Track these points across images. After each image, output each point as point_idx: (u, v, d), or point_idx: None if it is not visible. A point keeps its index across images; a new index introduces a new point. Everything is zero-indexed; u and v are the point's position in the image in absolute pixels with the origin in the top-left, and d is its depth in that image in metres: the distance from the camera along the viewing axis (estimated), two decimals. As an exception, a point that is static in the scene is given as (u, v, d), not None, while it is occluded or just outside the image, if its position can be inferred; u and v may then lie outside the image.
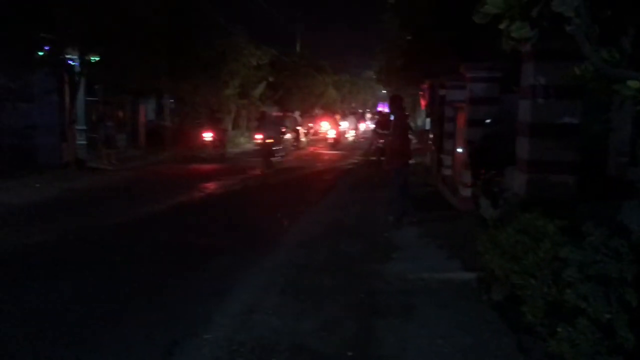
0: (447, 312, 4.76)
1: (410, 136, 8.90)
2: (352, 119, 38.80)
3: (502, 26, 3.07)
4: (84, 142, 16.29)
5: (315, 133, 32.52)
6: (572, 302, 3.18)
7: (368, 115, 49.85)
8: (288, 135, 22.69)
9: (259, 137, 18.47)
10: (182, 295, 5.26)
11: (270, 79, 28.34)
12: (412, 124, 23.05)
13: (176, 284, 5.59)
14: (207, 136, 20.34)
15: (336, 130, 29.51)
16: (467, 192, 8.47)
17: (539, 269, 3.70)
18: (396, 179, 8.27)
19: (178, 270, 6.08)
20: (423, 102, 18.24)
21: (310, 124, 32.65)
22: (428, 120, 16.91)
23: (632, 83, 2.73)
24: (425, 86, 16.22)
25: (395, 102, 8.73)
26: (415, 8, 12.38)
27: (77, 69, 14.92)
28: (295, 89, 33.63)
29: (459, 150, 10.12)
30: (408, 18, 13.46)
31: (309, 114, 36.29)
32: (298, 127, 27.80)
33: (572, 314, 3.17)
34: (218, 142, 20.29)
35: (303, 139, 28.01)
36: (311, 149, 26.95)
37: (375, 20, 18.43)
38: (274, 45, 28.72)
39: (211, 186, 13.15)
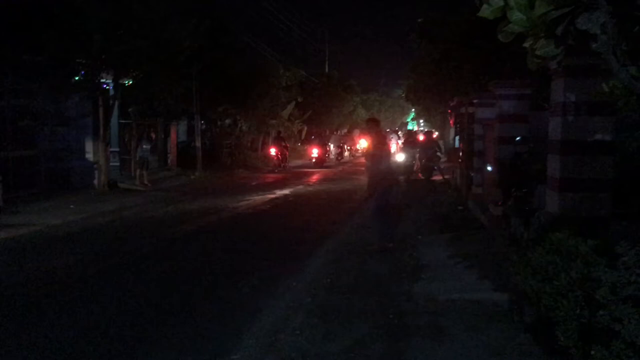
0: (478, 334, 4.65)
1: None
2: (394, 135, 42.63)
3: (526, 44, 3.05)
4: (117, 164, 16.64)
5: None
6: (606, 324, 3.09)
7: (400, 133, 50.46)
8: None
9: (315, 150, 26.87)
10: (211, 314, 5.30)
11: (299, 99, 28.78)
12: (440, 142, 22.97)
13: (205, 304, 5.64)
14: (272, 151, 24.75)
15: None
16: (497, 211, 8.33)
17: (571, 290, 3.60)
18: (377, 202, 8.15)
19: (207, 289, 6.14)
20: (452, 120, 18.13)
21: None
22: (457, 138, 16.77)
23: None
24: (453, 104, 16.12)
25: (371, 126, 8.62)
26: (442, 27, 12.40)
27: (111, 92, 15.33)
28: (324, 108, 34.14)
29: (489, 168, 10.00)
30: (435, 37, 13.48)
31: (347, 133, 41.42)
32: (341, 144, 33.81)
33: (606, 337, 3.07)
34: (281, 157, 24.25)
35: (346, 153, 34.38)
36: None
37: (405, 40, 18.64)
38: (303, 65, 29.59)
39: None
